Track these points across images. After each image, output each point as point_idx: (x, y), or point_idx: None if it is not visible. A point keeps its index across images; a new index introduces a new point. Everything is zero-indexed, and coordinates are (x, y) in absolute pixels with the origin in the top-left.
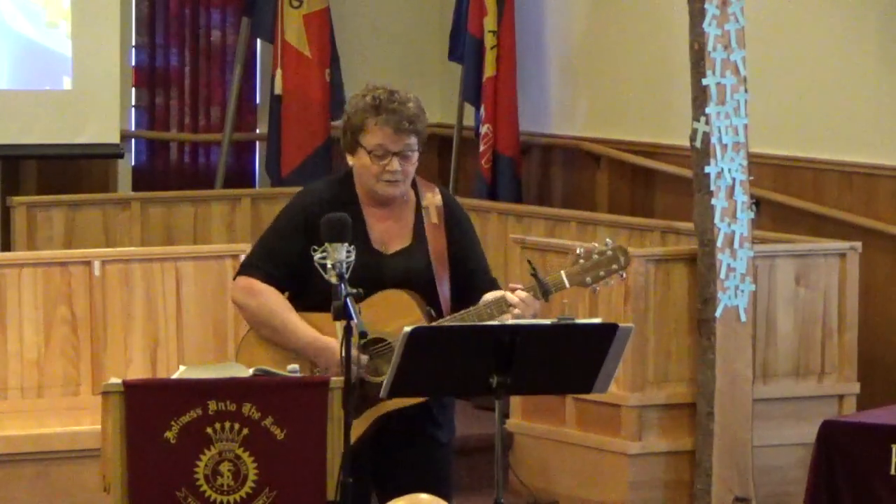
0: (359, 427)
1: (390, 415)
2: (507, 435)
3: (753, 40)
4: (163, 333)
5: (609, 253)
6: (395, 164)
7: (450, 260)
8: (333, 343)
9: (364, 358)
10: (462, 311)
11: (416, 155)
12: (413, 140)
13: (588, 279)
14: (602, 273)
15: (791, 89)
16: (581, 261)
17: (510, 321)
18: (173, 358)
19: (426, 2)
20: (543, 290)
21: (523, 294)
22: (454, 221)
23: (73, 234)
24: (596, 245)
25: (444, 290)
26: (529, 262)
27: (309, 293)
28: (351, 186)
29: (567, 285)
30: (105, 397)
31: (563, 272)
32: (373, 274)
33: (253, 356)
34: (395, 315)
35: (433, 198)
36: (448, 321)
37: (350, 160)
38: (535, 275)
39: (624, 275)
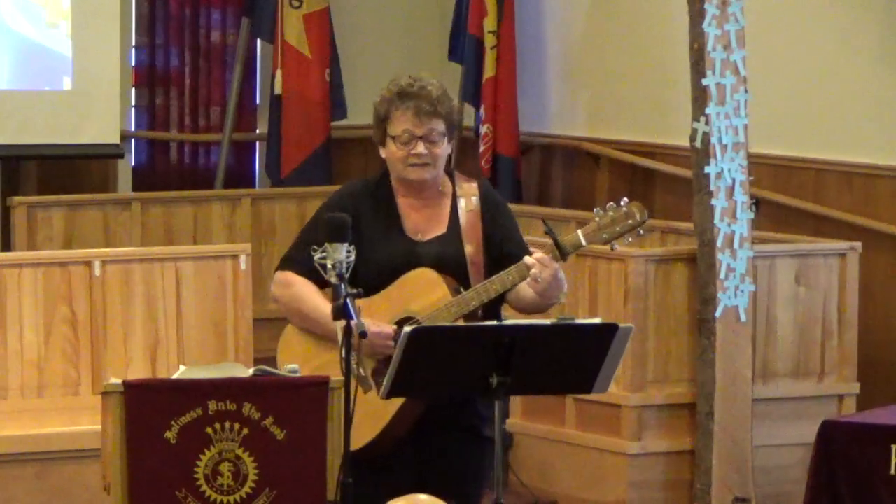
0: (390, 406)
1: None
2: (507, 435)
3: (753, 40)
4: (163, 333)
5: (623, 209)
6: (421, 147)
7: (486, 245)
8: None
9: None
10: (485, 281)
11: (444, 140)
12: (438, 124)
13: (605, 235)
14: (618, 229)
15: (791, 89)
16: (597, 219)
17: (510, 321)
18: (173, 358)
19: (426, 2)
20: (561, 250)
21: (539, 255)
22: (491, 207)
23: (73, 234)
24: (612, 203)
25: (477, 274)
26: (544, 221)
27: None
28: (387, 181)
29: (584, 243)
30: (105, 397)
31: (579, 231)
32: (406, 260)
33: (291, 350)
34: (422, 292)
35: (470, 187)
36: (471, 292)
37: (382, 153)
38: (550, 233)
39: (641, 231)
